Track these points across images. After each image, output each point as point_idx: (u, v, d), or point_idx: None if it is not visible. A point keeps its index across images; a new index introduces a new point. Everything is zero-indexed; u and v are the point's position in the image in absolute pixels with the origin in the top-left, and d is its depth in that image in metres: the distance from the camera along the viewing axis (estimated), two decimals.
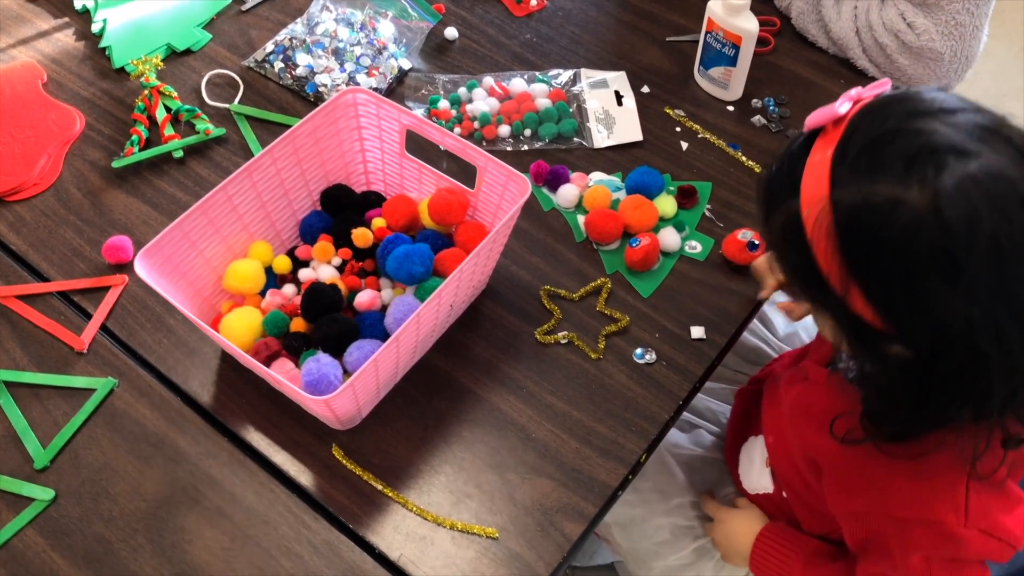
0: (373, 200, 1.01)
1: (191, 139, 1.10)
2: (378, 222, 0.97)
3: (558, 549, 0.82)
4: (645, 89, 1.17)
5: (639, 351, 0.94)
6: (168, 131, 1.11)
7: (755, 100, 1.16)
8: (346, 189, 0.99)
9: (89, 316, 0.96)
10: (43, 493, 0.85)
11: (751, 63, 1.11)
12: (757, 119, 1.14)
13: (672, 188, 1.06)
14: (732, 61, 1.11)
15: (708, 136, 1.12)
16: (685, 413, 1.07)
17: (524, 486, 0.86)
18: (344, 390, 0.76)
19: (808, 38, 1.21)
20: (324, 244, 0.95)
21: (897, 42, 1.12)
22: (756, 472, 1.00)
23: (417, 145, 1.00)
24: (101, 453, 0.88)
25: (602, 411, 0.90)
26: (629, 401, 0.91)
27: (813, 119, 0.67)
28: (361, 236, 0.94)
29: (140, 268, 0.81)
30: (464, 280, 0.87)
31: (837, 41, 1.18)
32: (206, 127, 1.11)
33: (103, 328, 0.96)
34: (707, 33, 1.11)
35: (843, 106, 0.66)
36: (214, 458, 0.87)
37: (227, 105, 1.15)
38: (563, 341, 0.95)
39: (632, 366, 0.94)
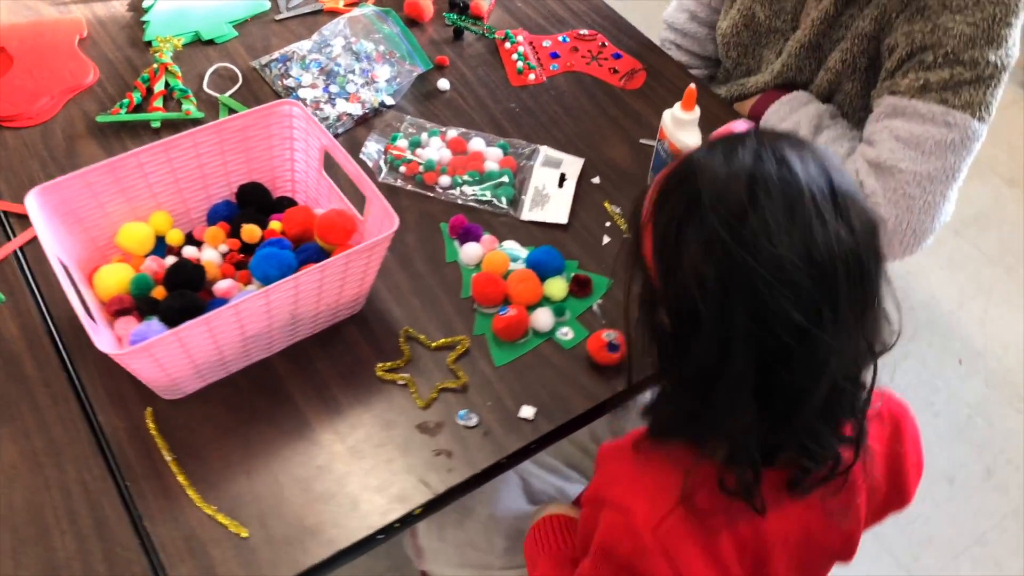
0: (284, 205, 1.07)
1: (172, 115, 1.21)
2: (275, 225, 1.03)
3: (292, 568, 0.84)
4: (596, 180, 1.20)
5: (463, 412, 0.96)
6: (157, 103, 1.23)
7: None
8: (261, 189, 1.07)
9: (11, 237, 1.07)
10: None
11: None
12: None
13: (570, 275, 1.08)
14: None
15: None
16: None
17: (296, 501, 0.89)
18: (135, 350, 0.82)
19: None
20: (216, 230, 1.02)
21: None
22: None
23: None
24: None
25: (405, 457, 0.92)
26: (431, 456, 0.92)
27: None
28: (249, 232, 1.01)
29: (29, 202, 0.91)
30: (304, 293, 0.91)
31: None
32: (189, 107, 1.22)
33: (20, 251, 1.06)
34: (659, 141, 1.13)
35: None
36: (46, 386, 0.95)
37: (218, 95, 1.26)
38: (400, 383, 0.98)
39: (452, 425, 0.95)
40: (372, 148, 1.20)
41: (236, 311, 0.86)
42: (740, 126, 0.90)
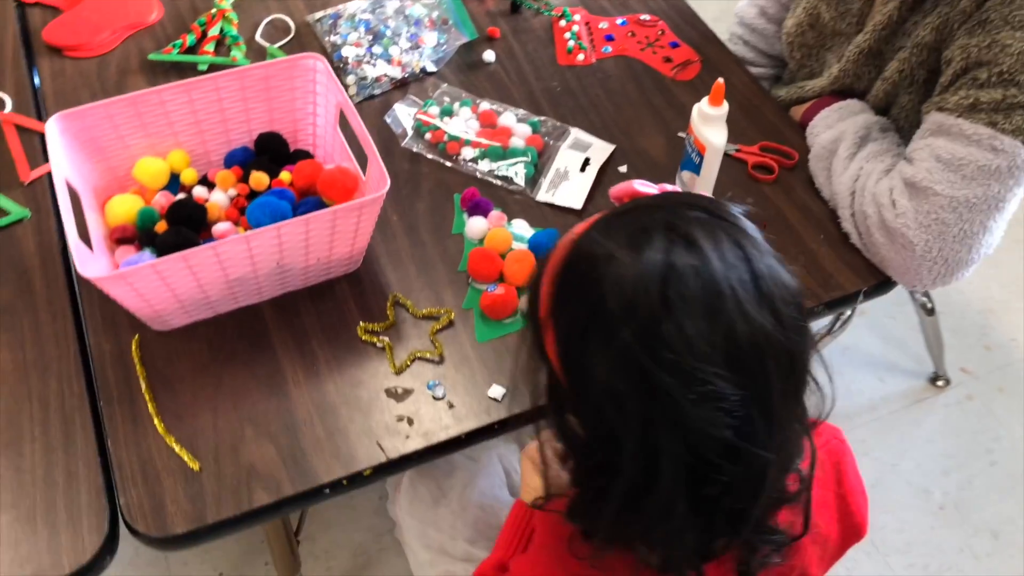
0: (300, 158, 1.09)
1: (219, 59, 1.25)
2: (284, 176, 1.05)
3: (236, 507, 0.86)
4: (623, 168, 1.16)
5: (433, 383, 0.95)
6: (208, 47, 1.26)
7: None
8: (279, 139, 1.09)
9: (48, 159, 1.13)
10: None
11: (742, 183, 1.08)
12: None
13: None
14: (697, 169, 1.07)
15: None
16: None
17: (252, 444, 0.90)
18: (113, 277, 0.85)
19: (815, 183, 1.14)
20: (227, 174, 1.05)
21: (877, 216, 1.03)
22: None
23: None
24: None
25: (367, 419, 0.93)
26: (393, 420, 0.92)
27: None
28: (257, 179, 1.03)
29: (49, 127, 0.95)
30: (290, 244, 0.93)
31: (833, 196, 1.10)
32: (237, 54, 1.25)
33: (51, 175, 1.12)
34: (687, 135, 1.09)
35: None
36: (49, 303, 1.00)
37: (268, 45, 1.28)
38: (378, 345, 0.98)
39: (420, 394, 0.95)
40: (401, 112, 1.20)
41: (216, 252, 0.88)
42: (643, 188, 0.82)
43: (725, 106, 1.03)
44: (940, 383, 1.80)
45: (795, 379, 0.59)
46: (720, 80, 1.01)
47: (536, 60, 1.30)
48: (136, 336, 0.97)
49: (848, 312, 1.45)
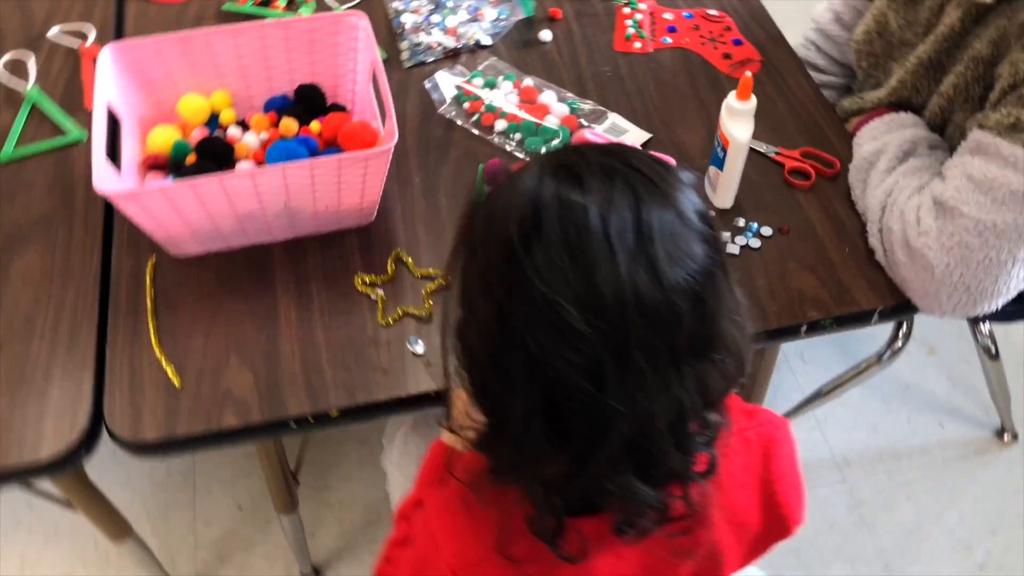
0: (334, 111, 1.13)
1: (286, 14, 1.30)
2: (314, 126, 1.09)
3: (205, 425, 0.90)
4: None
5: (414, 338, 0.97)
6: (280, 2, 1.32)
7: (740, 219, 1.08)
8: (318, 92, 1.13)
9: None
10: None
11: (776, 185, 1.05)
12: (727, 235, 1.07)
13: None
14: (721, 164, 1.05)
15: None
16: None
17: (234, 371, 0.95)
18: (124, 194, 0.91)
19: (852, 194, 1.09)
20: (262, 117, 1.10)
21: (901, 233, 0.97)
22: None
23: None
24: (33, 170, 1.12)
25: (344, 363, 0.95)
26: (369, 369, 0.95)
27: None
28: (286, 125, 1.08)
29: (102, 55, 1.02)
30: (295, 186, 0.96)
31: (865, 209, 1.05)
32: (305, 12, 1.31)
33: None
34: (717, 130, 1.06)
35: None
36: (85, 218, 1.07)
37: (336, 5, 1.33)
38: (372, 297, 1.01)
39: (401, 348, 0.97)
40: (443, 80, 1.22)
41: (222, 184, 0.93)
42: (593, 138, 0.80)
43: (753, 101, 1.00)
44: (1006, 438, 1.68)
45: (671, 340, 0.57)
46: (748, 74, 0.98)
47: (592, 44, 1.30)
48: (153, 257, 1.03)
49: (899, 343, 1.38)
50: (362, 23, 1.08)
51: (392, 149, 0.95)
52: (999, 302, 0.96)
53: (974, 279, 0.93)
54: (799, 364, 1.77)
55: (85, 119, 1.17)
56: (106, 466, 1.15)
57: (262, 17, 1.31)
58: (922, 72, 1.08)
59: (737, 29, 1.32)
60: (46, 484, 1.19)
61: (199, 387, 0.93)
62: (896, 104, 1.14)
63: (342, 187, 0.99)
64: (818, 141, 1.16)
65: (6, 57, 1.25)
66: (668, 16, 1.34)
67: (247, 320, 0.99)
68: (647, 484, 0.62)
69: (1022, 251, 0.91)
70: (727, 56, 1.28)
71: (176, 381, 0.93)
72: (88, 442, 0.91)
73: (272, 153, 1.01)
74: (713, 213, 0.99)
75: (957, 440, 1.69)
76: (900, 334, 1.34)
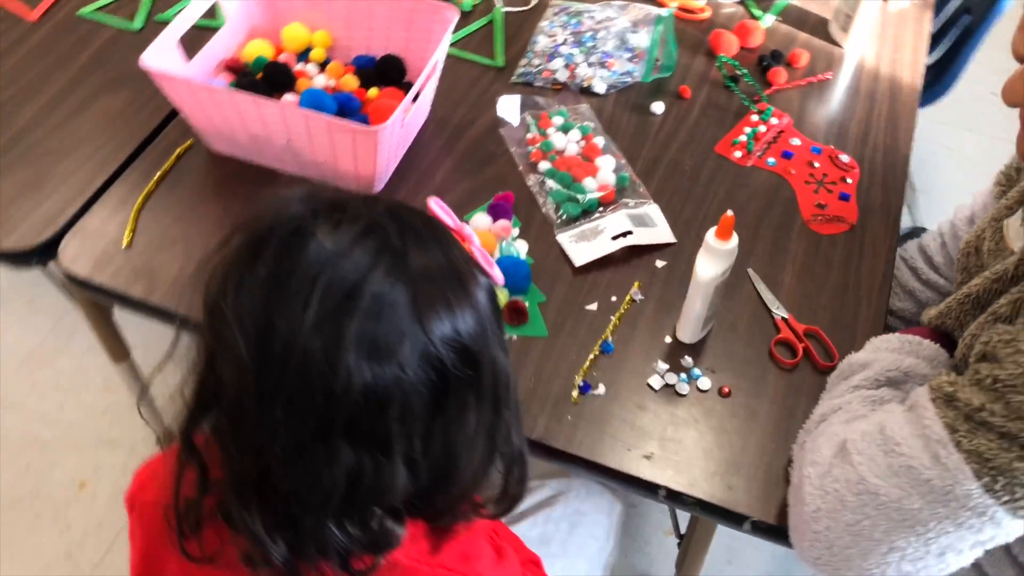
0: (404, 88, 1.18)
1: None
2: (372, 92, 1.16)
3: (111, 282, 1.02)
4: (659, 263, 1.07)
5: None
6: None
7: (689, 358, 0.98)
8: (398, 64, 1.18)
9: None
10: None
11: (758, 347, 0.95)
12: (665, 366, 0.98)
13: (521, 296, 1.02)
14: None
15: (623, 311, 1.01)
16: None
17: (180, 258, 1.05)
18: (159, 71, 1.04)
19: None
20: (337, 65, 1.19)
21: (799, 454, 0.84)
22: None
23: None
24: None
25: None
26: None
27: None
28: (345, 81, 1.16)
29: None
30: (295, 128, 1.03)
31: (812, 414, 0.91)
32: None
33: None
34: None
35: None
36: (151, 98, 1.23)
37: (499, 4, 1.38)
38: None
39: None
40: (509, 102, 1.22)
41: (232, 99, 1.03)
42: (436, 208, 0.74)
43: (733, 241, 0.90)
44: None
45: (324, 413, 0.54)
46: (730, 213, 0.89)
47: (696, 134, 1.23)
48: (190, 140, 1.16)
49: None
50: (450, 15, 1.12)
51: (378, 134, 0.99)
52: None
53: (839, 540, 0.78)
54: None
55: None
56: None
57: None
58: (968, 305, 0.91)
59: (855, 185, 1.17)
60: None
61: (141, 256, 1.05)
62: (940, 329, 0.96)
63: (336, 149, 1.05)
64: (838, 329, 1.02)
65: None
66: (794, 142, 1.22)
67: (226, 224, 1.08)
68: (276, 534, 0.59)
69: (900, 538, 0.75)
70: (820, 206, 1.15)
71: (126, 240, 1.06)
72: (41, 256, 1.06)
73: (305, 96, 1.09)
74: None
75: None
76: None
